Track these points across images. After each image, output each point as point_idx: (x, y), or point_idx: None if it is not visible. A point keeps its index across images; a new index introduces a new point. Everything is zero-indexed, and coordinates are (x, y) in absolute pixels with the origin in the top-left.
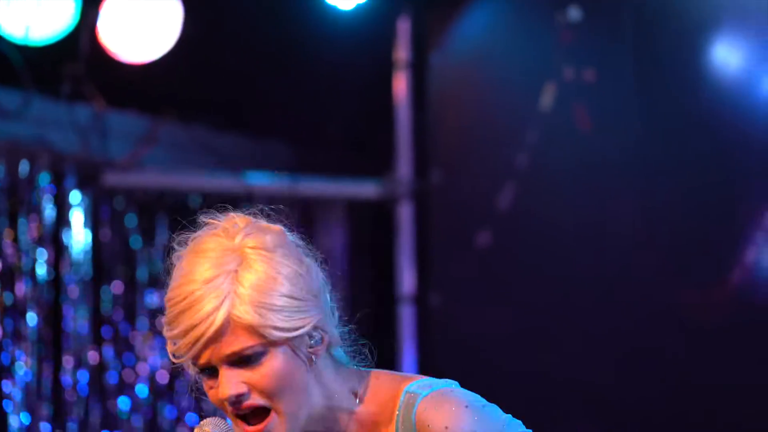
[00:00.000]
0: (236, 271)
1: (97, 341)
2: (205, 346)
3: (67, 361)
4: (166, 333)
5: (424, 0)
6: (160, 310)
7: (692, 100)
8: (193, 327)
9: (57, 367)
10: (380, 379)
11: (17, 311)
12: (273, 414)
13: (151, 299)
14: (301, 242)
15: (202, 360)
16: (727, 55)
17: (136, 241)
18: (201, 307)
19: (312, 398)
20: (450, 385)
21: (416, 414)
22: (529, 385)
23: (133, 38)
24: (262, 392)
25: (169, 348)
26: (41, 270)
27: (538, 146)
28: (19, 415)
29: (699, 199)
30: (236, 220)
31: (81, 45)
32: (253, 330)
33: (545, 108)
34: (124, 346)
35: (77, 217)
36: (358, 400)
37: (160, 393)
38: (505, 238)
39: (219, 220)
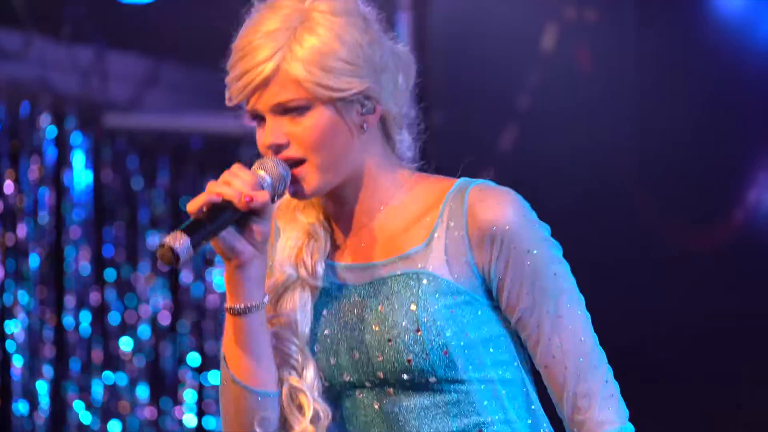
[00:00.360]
0: (296, 29)
1: (99, 282)
2: (253, 91)
3: (69, 302)
4: (226, 78)
5: None
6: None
7: (694, 40)
8: (245, 73)
9: (59, 308)
10: (433, 176)
11: (19, 252)
12: (306, 164)
13: (153, 241)
14: (375, 18)
15: (250, 105)
16: None
17: (137, 183)
18: (255, 55)
19: (352, 163)
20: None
21: (468, 195)
22: None
23: None
24: (301, 144)
25: (226, 93)
26: (43, 211)
27: (539, 87)
28: (21, 355)
29: (700, 139)
30: None
31: None
32: (299, 84)
33: (546, 49)
34: (125, 287)
35: (78, 159)
36: (403, 190)
37: (162, 334)
38: (506, 177)
39: None
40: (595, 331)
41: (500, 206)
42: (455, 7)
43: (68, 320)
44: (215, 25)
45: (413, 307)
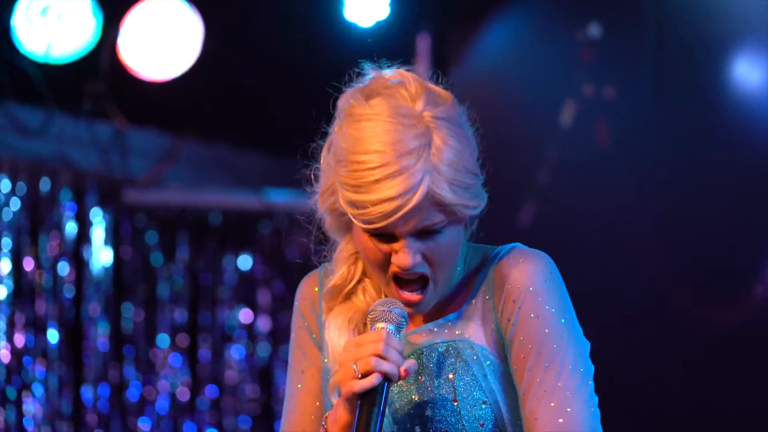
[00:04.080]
0: (430, 145)
1: (118, 359)
2: (401, 217)
3: (88, 378)
4: (349, 194)
5: (444, 16)
6: (181, 327)
7: (712, 117)
8: (392, 198)
9: (78, 384)
10: (481, 245)
11: (38, 328)
12: (431, 283)
13: (172, 316)
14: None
15: (389, 229)
16: (747, 72)
17: (156, 259)
18: (402, 180)
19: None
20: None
21: (499, 259)
22: None
23: (154, 56)
24: (433, 262)
25: (351, 210)
26: (62, 287)
27: (558, 162)
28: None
29: (719, 214)
30: (405, 77)
31: (102, 63)
32: (444, 206)
33: (565, 124)
34: (144, 363)
35: (98, 235)
36: (465, 268)
37: (181, 410)
38: None
39: (382, 74)
40: (615, 402)
41: (524, 266)
42: (473, 83)
43: (87, 396)
44: (234, 101)
45: (451, 375)
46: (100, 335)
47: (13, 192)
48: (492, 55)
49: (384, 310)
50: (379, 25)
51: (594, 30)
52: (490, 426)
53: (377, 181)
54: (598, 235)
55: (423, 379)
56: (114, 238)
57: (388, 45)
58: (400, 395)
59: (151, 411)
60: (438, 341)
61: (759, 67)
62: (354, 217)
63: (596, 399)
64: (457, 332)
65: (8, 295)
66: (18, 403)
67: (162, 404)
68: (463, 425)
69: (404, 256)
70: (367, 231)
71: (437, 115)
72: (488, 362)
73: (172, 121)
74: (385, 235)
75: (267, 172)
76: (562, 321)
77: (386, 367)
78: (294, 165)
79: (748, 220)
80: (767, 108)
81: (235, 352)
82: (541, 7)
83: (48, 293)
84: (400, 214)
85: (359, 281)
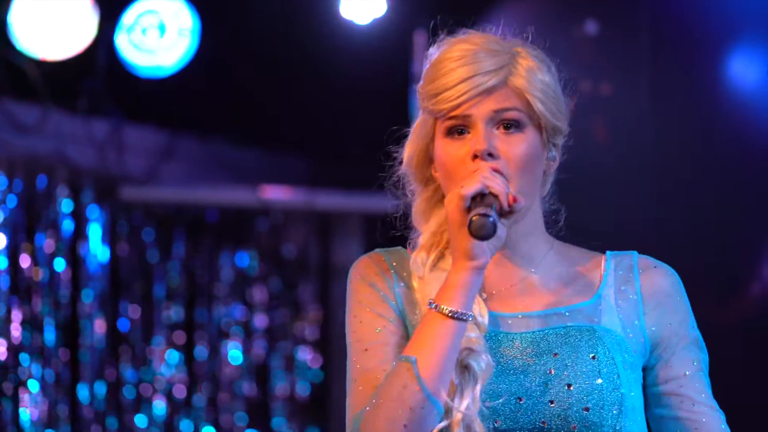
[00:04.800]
0: (516, 54)
1: (114, 356)
2: (475, 96)
3: (84, 375)
4: (427, 88)
5: (441, 14)
6: (178, 325)
7: (709, 114)
8: (469, 78)
9: (74, 381)
10: (573, 245)
11: (34, 325)
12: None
13: (168, 314)
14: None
15: (461, 110)
16: (744, 69)
17: (153, 256)
18: (482, 64)
19: (533, 201)
20: None
21: (638, 261)
22: None
23: (148, 51)
24: (511, 160)
25: (428, 103)
26: (58, 284)
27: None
28: (36, 429)
29: (716, 212)
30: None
31: (98, 60)
32: (522, 98)
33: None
34: (141, 361)
35: (94, 232)
36: (553, 250)
37: (177, 407)
38: None
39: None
40: None
41: (673, 276)
42: None
43: (83, 394)
44: (230, 98)
45: (593, 356)
46: (96, 332)
47: (9, 189)
48: None
49: (489, 175)
50: (375, 22)
51: (591, 27)
52: (624, 413)
53: (459, 66)
54: (595, 232)
55: (558, 356)
56: (110, 235)
57: (385, 42)
58: (528, 367)
59: (148, 408)
60: (571, 324)
61: (756, 64)
62: (430, 109)
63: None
64: (593, 319)
65: (5, 292)
66: (15, 400)
67: (158, 402)
68: (603, 406)
69: (480, 139)
70: (444, 119)
71: (530, 52)
72: (627, 354)
73: (168, 118)
74: (463, 131)
75: (263, 168)
76: (698, 336)
77: (494, 184)
78: (290, 162)
79: (746, 217)
80: (764, 104)
81: (232, 349)
82: (537, 4)
83: (44, 290)
84: (474, 91)
85: (446, 248)
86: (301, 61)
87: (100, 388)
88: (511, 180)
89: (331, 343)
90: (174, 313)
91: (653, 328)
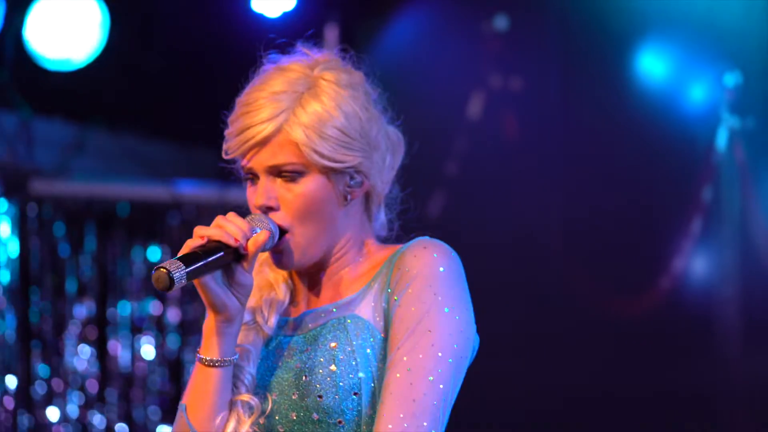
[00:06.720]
0: (302, 94)
1: (25, 351)
2: (251, 148)
3: None
4: (226, 131)
5: (352, 8)
6: (90, 320)
7: (618, 108)
8: (247, 128)
9: None
10: (393, 246)
11: None
12: (290, 236)
13: (80, 308)
14: (377, 97)
15: (245, 162)
16: (652, 64)
17: (64, 250)
18: (259, 113)
19: (333, 235)
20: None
21: (407, 246)
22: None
23: (58, 43)
24: (290, 210)
25: (224, 146)
26: None
27: (466, 154)
28: None
29: (626, 207)
30: (327, 56)
31: (6, 52)
32: (297, 148)
33: (473, 116)
34: (53, 356)
35: (4, 226)
36: (363, 257)
37: (89, 403)
38: None
39: (313, 53)
40: (520, 395)
41: (424, 253)
42: (381, 74)
43: None
44: (141, 91)
45: (333, 345)
46: (7, 328)
47: None
48: (400, 47)
49: (255, 215)
50: (286, 15)
51: (500, 22)
52: (365, 397)
53: (243, 114)
54: (505, 226)
55: (309, 350)
56: (20, 230)
57: (296, 36)
58: (285, 365)
59: (60, 404)
60: (331, 318)
61: (662, 59)
62: (224, 153)
63: (450, 394)
64: (350, 310)
65: None
66: None
67: (71, 397)
68: (337, 392)
69: (257, 194)
70: (233, 166)
71: (326, 77)
72: (372, 338)
73: (78, 111)
74: (252, 176)
75: (175, 162)
76: (446, 310)
77: (218, 232)
78: (202, 155)
79: (655, 212)
80: (671, 100)
81: (145, 344)
82: None
83: None
84: (250, 143)
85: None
86: (211, 54)
87: (12, 383)
88: (293, 232)
89: None
90: (86, 307)
91: (391, 306)
